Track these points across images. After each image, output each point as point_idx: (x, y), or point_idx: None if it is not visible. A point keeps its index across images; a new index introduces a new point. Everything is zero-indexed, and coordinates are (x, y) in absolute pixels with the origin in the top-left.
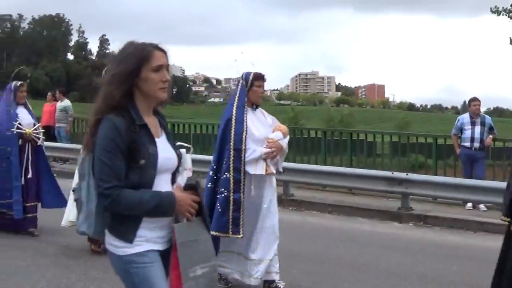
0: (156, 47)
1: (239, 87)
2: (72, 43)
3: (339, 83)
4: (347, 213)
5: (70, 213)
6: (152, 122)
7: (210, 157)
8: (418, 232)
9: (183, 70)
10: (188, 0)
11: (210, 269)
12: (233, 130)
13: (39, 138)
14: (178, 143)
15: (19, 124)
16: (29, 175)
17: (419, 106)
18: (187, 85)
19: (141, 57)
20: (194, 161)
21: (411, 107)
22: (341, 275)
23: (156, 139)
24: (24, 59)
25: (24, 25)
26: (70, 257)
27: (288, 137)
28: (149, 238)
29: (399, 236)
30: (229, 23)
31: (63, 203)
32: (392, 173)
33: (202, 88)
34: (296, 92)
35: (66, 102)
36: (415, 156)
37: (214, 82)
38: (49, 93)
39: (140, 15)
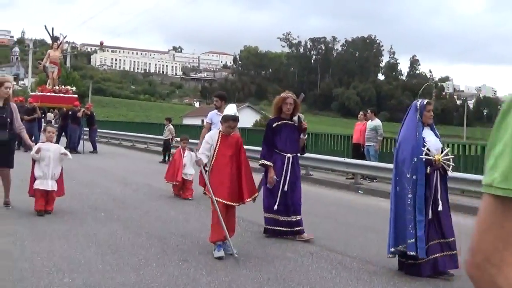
0: None
1: None
2: (382, 64)
3: None
4: None
5: None
6: None
7: None
8: None
9: (495, 91)
10: (500, 19)
11: None
12: None
13: (449, 166)
14: None
15: (428, 149)
16: (440, 208)
17: None
18: (499, 107)
19: None
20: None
21: None
22: None
23: None
24: (337, 80)
25: (338, 47)
26: (372, 273)
27: None
28: None
29: None
30: None
31: None
32: None
33: None
34: None
35: (377, 122)
36: None
37: None
38: (360, 112)
39: (450, 35)
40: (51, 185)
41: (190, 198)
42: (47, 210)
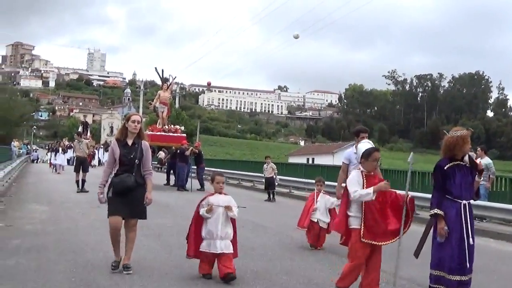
0: None
1: None
2: (491, 100)
3: None
4: None
5: None
6: None
7: None
8: None
9: None
10: None
11: None
12: None
13: None
14: None
15: None
16: None
17: None
18: None
19: None
20: None
21: None
22: None
23: None
24: (444, 117)
25: (444, 83)
26: None
27: None
28: None
29: None
30: None
31: None
32: None
33: None
34: None
35: (487, 160)
36: None
37: None
38: None
39: None
40: (220, 247)
41: (319, 248)
42: (228, 274)
